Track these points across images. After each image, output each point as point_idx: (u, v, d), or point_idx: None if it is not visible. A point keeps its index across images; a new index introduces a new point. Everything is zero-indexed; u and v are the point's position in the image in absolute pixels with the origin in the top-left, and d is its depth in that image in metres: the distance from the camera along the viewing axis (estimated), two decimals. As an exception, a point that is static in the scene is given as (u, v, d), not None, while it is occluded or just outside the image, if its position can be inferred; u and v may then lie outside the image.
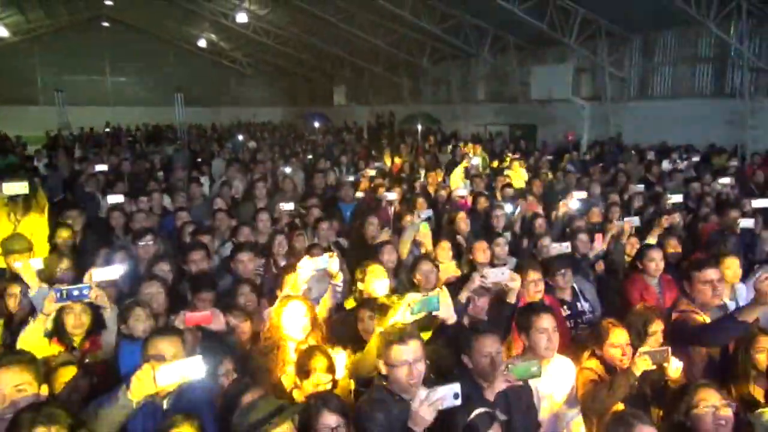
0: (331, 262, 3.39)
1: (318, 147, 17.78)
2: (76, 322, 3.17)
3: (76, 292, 2.91)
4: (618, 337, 3.17)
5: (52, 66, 28.56)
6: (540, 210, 6.48)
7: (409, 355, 2.41)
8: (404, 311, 2.71)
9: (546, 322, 3.05)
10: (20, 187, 4.22)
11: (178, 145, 14.94)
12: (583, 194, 6.80)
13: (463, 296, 3.26)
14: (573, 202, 6.33)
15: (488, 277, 3.24)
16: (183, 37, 30.16)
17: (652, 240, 5.39)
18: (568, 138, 15.07)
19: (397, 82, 25.64)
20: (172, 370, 2.13)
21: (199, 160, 13.60)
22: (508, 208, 6.35)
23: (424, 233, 5.68)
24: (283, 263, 5.10)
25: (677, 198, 6.39)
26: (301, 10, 21.05)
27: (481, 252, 5.02)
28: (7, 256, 4.17)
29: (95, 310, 3.24)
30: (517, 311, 3.29)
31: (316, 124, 27.69)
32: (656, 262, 4.63)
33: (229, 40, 29.27)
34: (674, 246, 5.32)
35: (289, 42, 26.07)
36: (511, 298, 3.34)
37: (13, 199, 4.35)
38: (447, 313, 2.88)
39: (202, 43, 29.74)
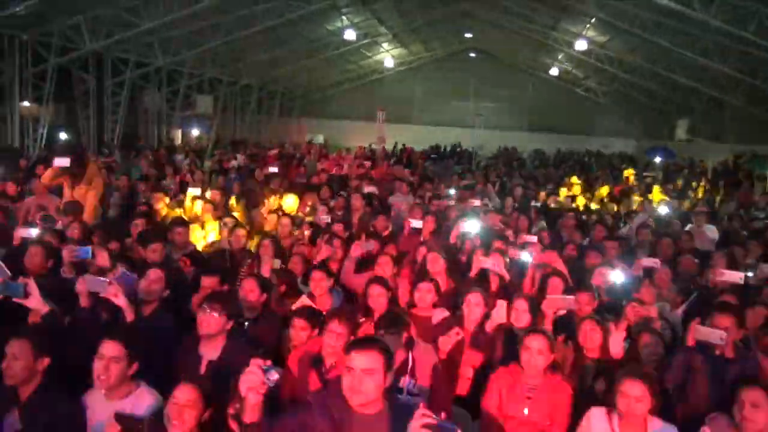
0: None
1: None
2: None
3: None
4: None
5: (426, 91, 33.27)
6: (561, 266, 5.05)
7: None
8: None
9: None
10: (62, 161, 5.86)
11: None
12: (656, 263, 4.96)
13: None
14: (615, 273, 4.75)
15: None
16: (538, 66, 31.00)
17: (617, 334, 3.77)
18: None
19: (763, 118, 20.86)
20: None
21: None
22: (527, 257, 5.19)
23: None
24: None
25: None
26: (638, 36, 19.43)
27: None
28: (65, 216, 5.84)
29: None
30: None
31: (658, 159, 24.93)
32: (533, 353, 3.38)
33: (580, 69, 28.72)
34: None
35: (635, 70, 24.09)
36: None
37: (71, 172, 6.02)
38: (36, 304, 3.02)
39: (554, 71, 30.00)
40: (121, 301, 3.23)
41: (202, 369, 3.30)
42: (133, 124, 22.37)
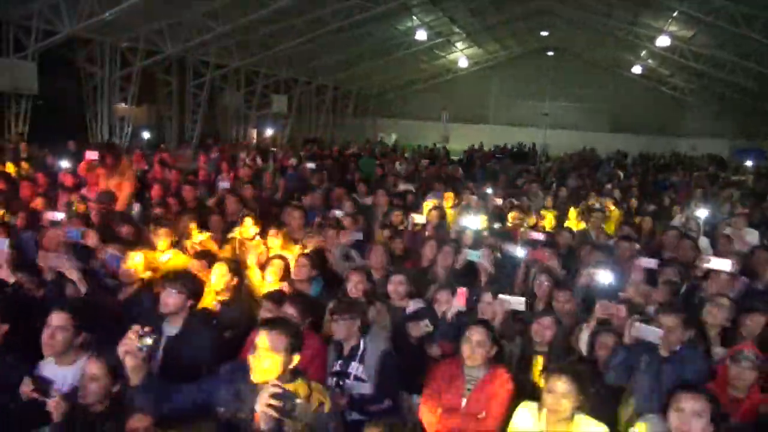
0: None
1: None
2: None
3: None
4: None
5: (502, 90, 32.66)
6: (554, 263, 4.91)
7: None
8: None
9: None
10: (93, 154, 6.37)
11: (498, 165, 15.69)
12: (651, 263, 4.73)
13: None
14: (603, 274, 4.56)
15: None
16: (620, 63, 29.59)
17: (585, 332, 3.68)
18: None
19: None
20: None
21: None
22: (520, 252, 5.10)
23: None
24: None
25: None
26: (727, 30, 18.21)
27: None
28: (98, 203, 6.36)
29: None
30: None
31: (749, 163, 23.19)
32: (473, 345, 3.36)
33: (665, 66, 27.15)
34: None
35: (725, 66, 22.50)
36: None
37: (103, 165, 6.53)
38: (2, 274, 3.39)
39: (636, 69, 28.54)
40: (73, 275, 3.53)
41: (161, 345, 3.53)
42: (213, 124, 23.65)
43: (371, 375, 3.57)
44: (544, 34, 27.64)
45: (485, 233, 6.03)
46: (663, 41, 21.66)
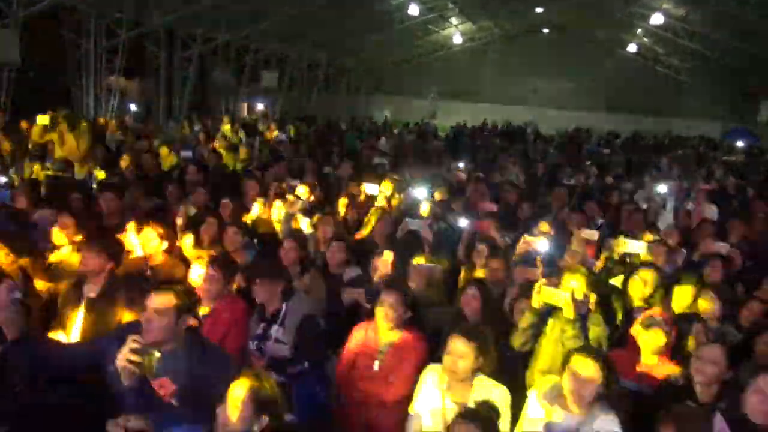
0: None
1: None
2: None
3: None
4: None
5: (495, 68, 32.28)
6: (495, 234, 4.92)
7: None
8: None
9: None
10: (42, 119, 6.37)
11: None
12: (593, 235, 4.74)
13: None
14: (541, 242, 4.56)
15: None
16: (615, 42, 29.18)
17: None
18: None
19: None
20: None
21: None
22: (463, 223, 5.13)
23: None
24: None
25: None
26: (719, 10, 18.00)
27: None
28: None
29: None
30: None
31: (740, 144, 23.11)
32: (386, 308, 3.38)
33: (661, 45, 26.80)
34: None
35: (718, 46, 22.25)
36: None
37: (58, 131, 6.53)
38: None
39: (632, 47, 28.17)
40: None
41: (82, 305, 3.55)
42: (204, 98, 23.46)
43: (291, 338, 3.60)
44: (539, 10, 27.18)
45: (433, 204, 6.04)
46: (657, 19, 21.40)
